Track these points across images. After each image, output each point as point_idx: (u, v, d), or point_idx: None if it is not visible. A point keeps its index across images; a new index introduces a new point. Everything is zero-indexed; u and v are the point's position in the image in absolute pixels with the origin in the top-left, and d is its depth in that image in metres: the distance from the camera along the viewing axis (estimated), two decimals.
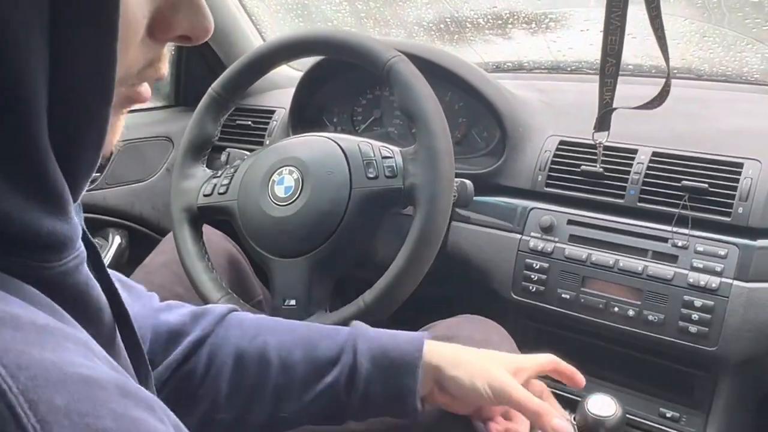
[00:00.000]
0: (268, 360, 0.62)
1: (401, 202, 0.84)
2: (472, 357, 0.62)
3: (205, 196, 0.93)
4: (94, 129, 0.31)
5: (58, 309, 0.31)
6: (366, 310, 0.81)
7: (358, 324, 0.70)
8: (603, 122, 0.88)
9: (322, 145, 0.90)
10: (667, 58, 0.76)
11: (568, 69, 1.37)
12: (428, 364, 0.61)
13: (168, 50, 0.37)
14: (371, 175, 0.85)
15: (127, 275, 0.80)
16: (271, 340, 0.64)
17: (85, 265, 0.34)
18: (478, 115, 1.15)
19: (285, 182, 0.88)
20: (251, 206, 0.89)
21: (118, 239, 1.31)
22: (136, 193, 1.34)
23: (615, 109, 0.86)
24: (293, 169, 0.88)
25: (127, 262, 1.31)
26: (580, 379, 0.65)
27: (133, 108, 0.38)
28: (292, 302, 0.86)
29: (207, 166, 0.98)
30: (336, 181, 0.85)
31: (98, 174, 1.26)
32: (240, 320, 0.67)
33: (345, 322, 0.75)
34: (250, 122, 1.31)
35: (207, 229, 0.98)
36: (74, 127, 0.30)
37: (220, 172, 0.95)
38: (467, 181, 0.93)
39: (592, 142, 0.97)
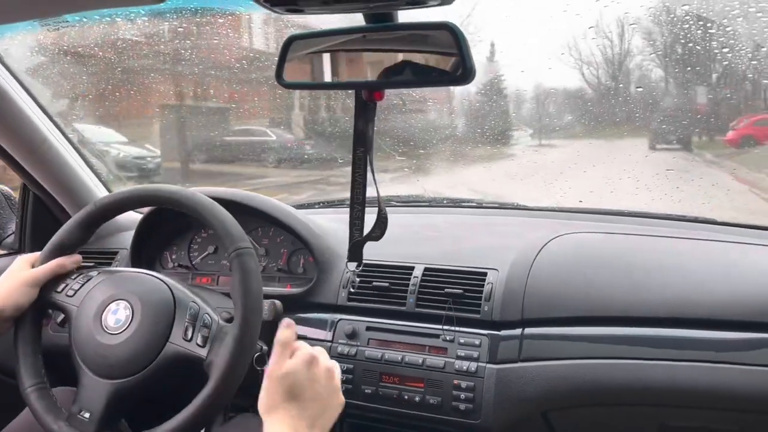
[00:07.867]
0: None
1: (200, 371, 0.96)
2: None
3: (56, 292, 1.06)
4: None
5: None
6: None
7: None
8: (353, 253, 1.03)
9: (156, 288, 1.03)
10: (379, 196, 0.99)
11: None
12: None
13: None
14: (187, 337, 0.98)
15: None
16: None
17: None
18: (296, 246, 1.38)
19: (118, 314, 1.01)
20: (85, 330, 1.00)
21: None
22: None
23: (364, 242, 1.03)
24: (127, 304, 1.02)
25: None
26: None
27: None
28: (87, 414, 0.97)
29: None
30: (158, 330, 0.98)
31: None
32: None
33: None
34: (93, 264, 1.44)
35: None
36: None
37: (75, 275, 1.08)
38: (277, 302, 1.13)
39: (381, 262, 1.23)
